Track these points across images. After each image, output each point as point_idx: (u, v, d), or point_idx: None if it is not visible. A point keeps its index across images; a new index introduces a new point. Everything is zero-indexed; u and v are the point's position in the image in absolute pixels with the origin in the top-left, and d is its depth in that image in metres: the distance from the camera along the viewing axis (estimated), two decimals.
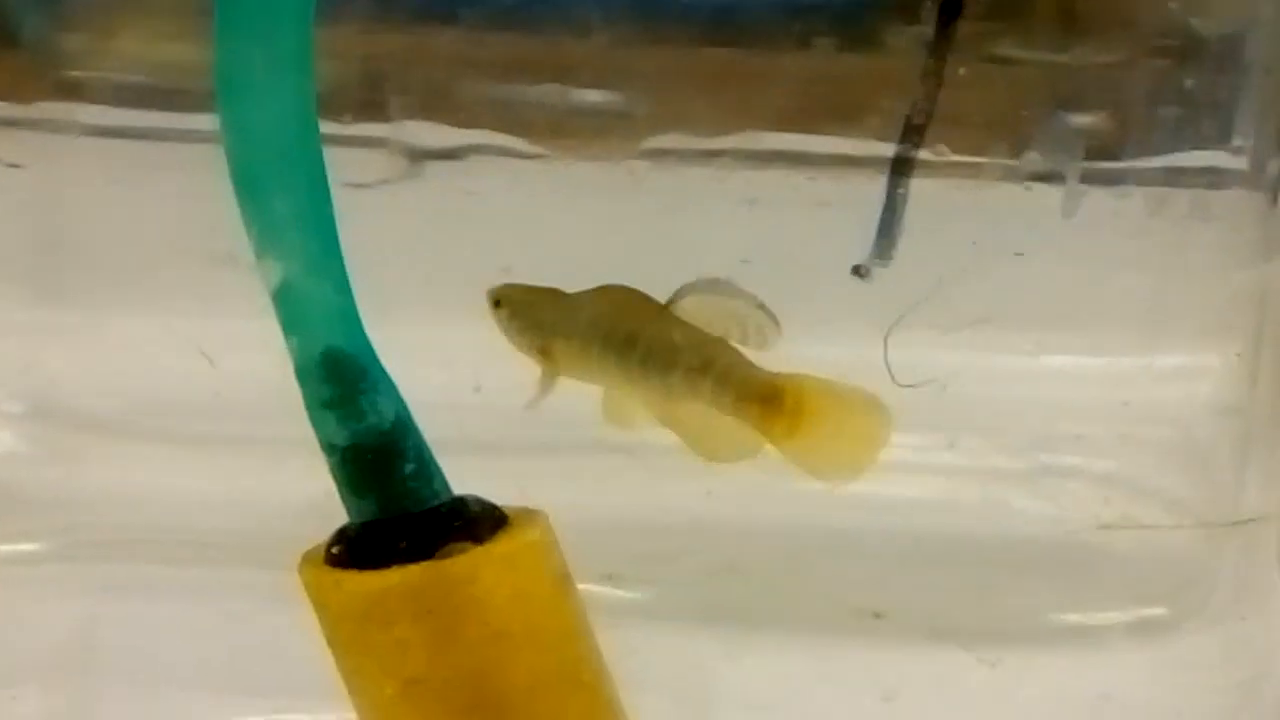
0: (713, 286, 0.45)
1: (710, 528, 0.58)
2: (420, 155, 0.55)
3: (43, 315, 0.58)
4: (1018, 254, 0.55)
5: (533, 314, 0.48)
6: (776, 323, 0.45)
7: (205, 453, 0.58)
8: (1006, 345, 0.58)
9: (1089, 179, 0.55)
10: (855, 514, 0.57)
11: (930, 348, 0.56)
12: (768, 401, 0.44)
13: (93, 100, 0.56)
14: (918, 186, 0.55)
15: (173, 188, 0.56)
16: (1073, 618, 0.56)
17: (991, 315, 0.56)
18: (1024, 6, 0.54)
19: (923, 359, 0.54)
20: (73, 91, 0.56)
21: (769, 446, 0.45)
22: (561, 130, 0.55)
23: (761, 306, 0.45)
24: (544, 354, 0.48)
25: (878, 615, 0.56)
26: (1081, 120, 0.55)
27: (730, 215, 0.55)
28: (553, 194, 0.55)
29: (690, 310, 0.46)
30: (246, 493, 0.56)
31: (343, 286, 0.36)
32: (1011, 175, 0.55)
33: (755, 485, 0.56)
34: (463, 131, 0.55)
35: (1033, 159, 0.55)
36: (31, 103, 0.56)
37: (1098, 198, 0.56)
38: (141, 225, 0.57)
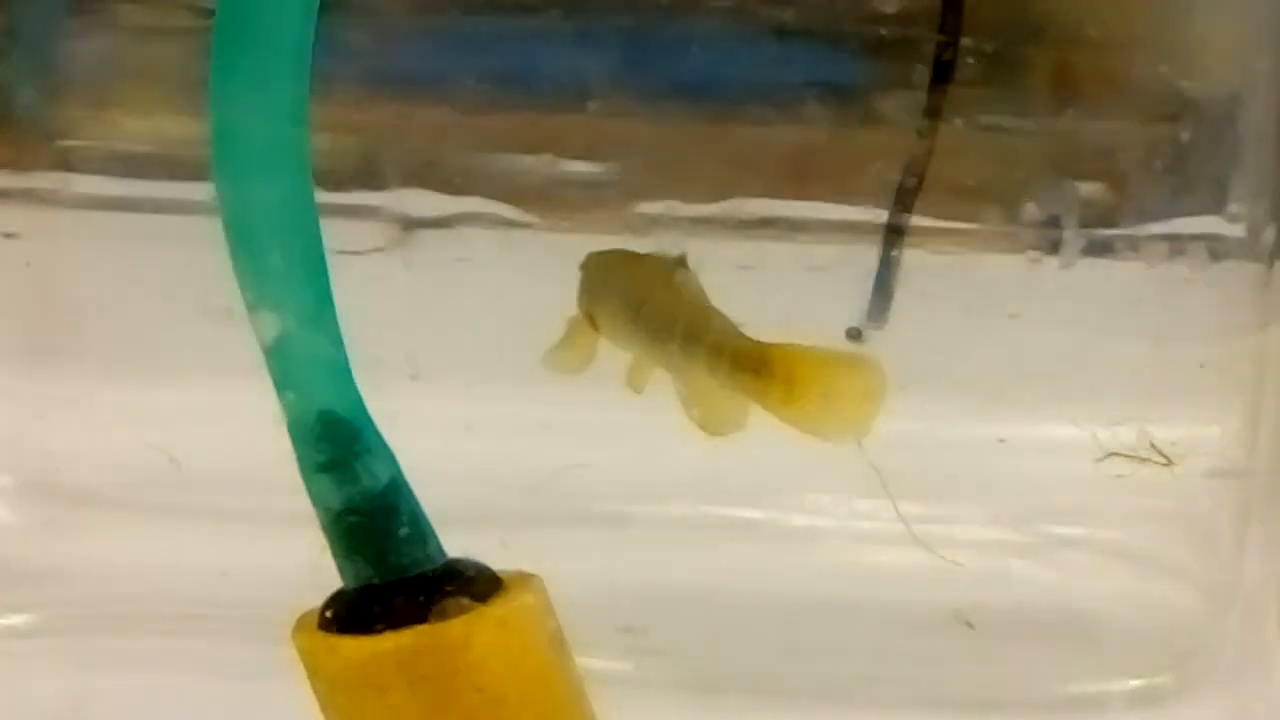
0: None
1: (703, 598, 0.57)
2: (412, 224, 0.56)
3: (35, 386, 0.59)
4: (1012, 315, 0.56)
5: (590, 280, 0.49)
6: None
7: (198, 525, 0.59)
8: (998, 414, 0.58)
9: (1085, 247, 0.56)
10: (850, 584, 0.57)
11: (924, 418, 0.56)
12: (760, 370, 0.44)
13: (88, 171, 0.56)
14: (912, 253, 0.55)
15: (169, 259, 0.56)
16: (1074, 688, 0.56)
17: (986, 382, 0.57)
18: (1019, 73, 0.55)
19: (915, 427, 0.54)
20: (69, 162, 0.56)
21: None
22: (552, 198, 0.55)
23: None
24: (590, 319, 0.49)
25: (873, 684, 0.56)
26: (1076, 187, 0.56)
27: (723, 281, 0.56)
28: (545, 261, 0.55)
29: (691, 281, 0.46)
30: (240, 565, 0.56)
31: (338, 347, 0.37)
32: (1006, 242, 0.56)
33: (750, 557, 0.57)
34: (454, 199, 0.56)
35: (1028, 226, 0.55)
36: (28, 172, 0.56)
37: (1093, 265, 0.56)
38: (136, 296, 0.58)
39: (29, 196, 0.57)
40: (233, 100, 0.35)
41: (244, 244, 0.36)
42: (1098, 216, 0.56)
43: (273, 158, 0.35)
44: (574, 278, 0.52)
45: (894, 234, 0.54)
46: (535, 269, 0.56)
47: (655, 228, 0.55)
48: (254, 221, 0.35)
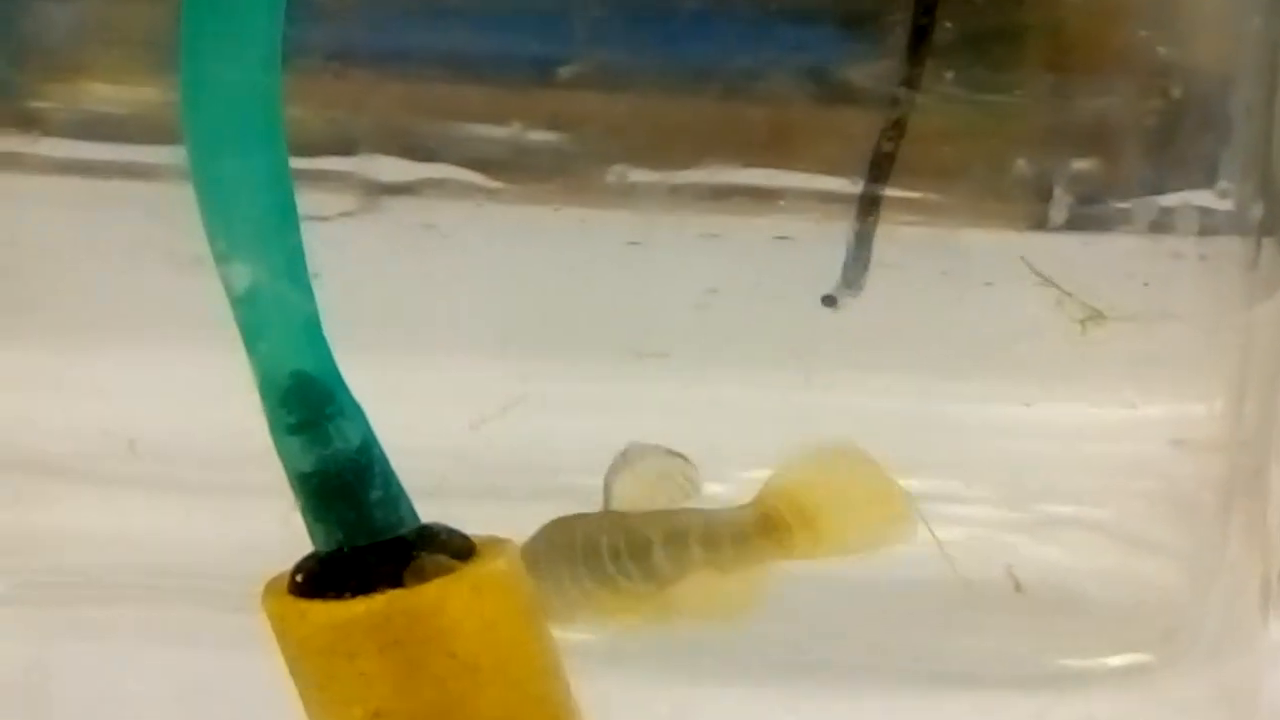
0: (630, 460, 0.44)
1: None
2: (380, 190, 0.55)
3: (3, 353, 0.58)
4: (987, 284, 0.55)
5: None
6: (694, 467, 0.44)
7: (161, 493, 0.59)
8: (985, 391, 0.58)
9: (1070, 220, 0.55)
10: (844, 560, 0.57)
11: (909, 393, 0.56)
12: (772, 531, 0.43)
13: (54, 134, 0.56)
14: (890, 225, 0.55)
15: (136, 224, 0.56)
16: (1057, 663, 0.56)
17: (968, 358, 0.56)
18: (1002, 43, 0.54)
19: (898, 404, 0.54)
20: (33, 124, 0.56)
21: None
22: (520, 167, 0.55)
23: (674, 454, 0.44)
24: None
25: (857, 658, 0.56)
26: (1064, 162, 0.55)
27: (694, 250, 0.55)
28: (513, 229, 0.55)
29: (627, 496, 0.45)
30: (204, 533, 0.56)
31: (310, 305, 0.36)
32: (989, 215, 0.55)
33: None
34: (422, 165, 0.55)
35: (1013, 198, 0.55)
36: None
37: (1079, 239, 0.56)
38: (102, 262, 0.57)
39: None
40: (205, 47, 0.35)
41: (216, 192, 0.35)
42: (1086, 190, 0.56)
43: (246, 104, 0.35)
44: (543, 246, 0.51)
45: (870, 203, 0.54)
46: (503, 236, 0.56)
47: (624, 197, 0.55)
48: (226, 169, 0.35)
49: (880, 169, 0.54)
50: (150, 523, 0.58)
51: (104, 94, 0.57)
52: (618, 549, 0.44)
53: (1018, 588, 0.56)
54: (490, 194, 0.56)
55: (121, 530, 0.58)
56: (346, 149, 0.55)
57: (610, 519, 0.45)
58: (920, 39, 0.52)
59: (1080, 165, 0.56)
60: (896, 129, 0.53)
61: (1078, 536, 0.60)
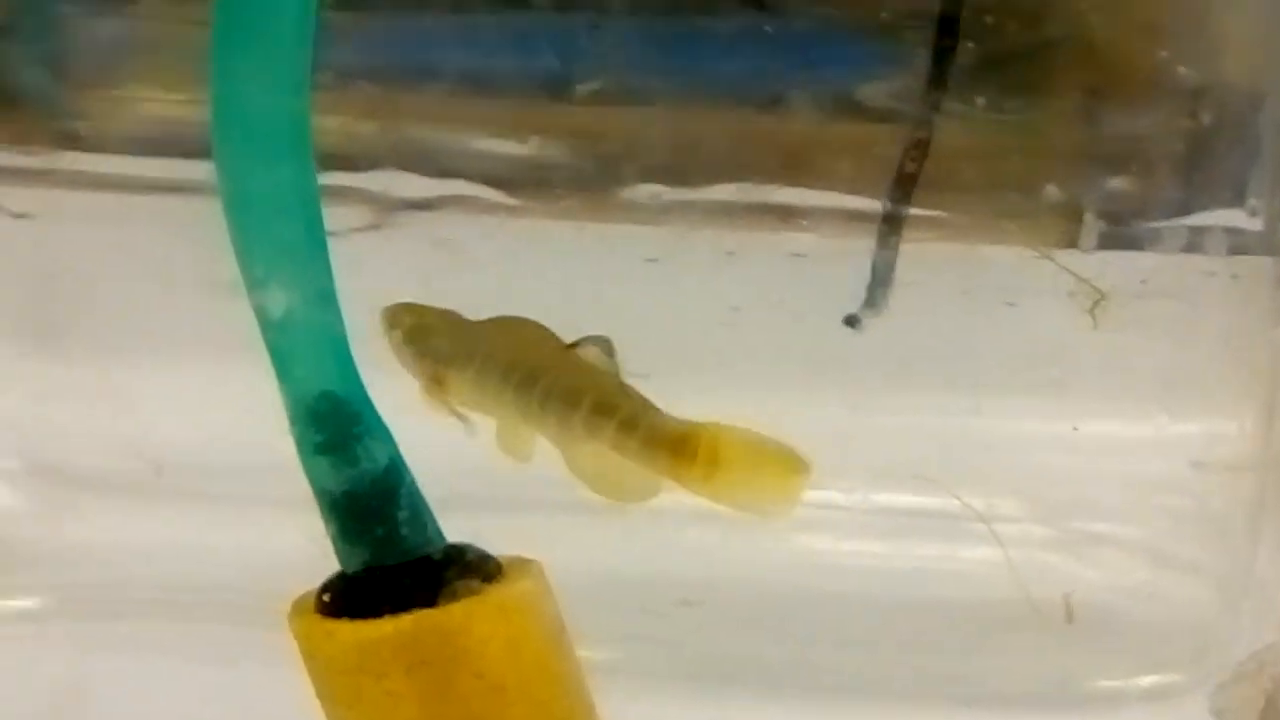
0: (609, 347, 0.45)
1: (720, 587, 0.57)
2: (394, 205, 0.56)
3: (42, 368, 0.59)
4: (1009, 304, 0.55)
5: (429, 340, 0.48)
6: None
7: (203, 508, 0.59)
8: (1017, 409, 0.58)
9: (1103, 239, 0.55)
10: (871, 578, 0.57)
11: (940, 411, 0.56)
12: (680, 449, 0.44)
13: (100, 150, 0.56)
14: (914, 245, 0.55)
15: (178, 240, 0.56)
16: (1088, 684, 0.56)
17: (1002, 376, 0.56)
18: (1033, 69, 0.54)
19: (926, 421, 0.54)
20: (79, 142, 0.56)
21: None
22: (535, 183, 0.55)
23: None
24: (437, 382, 0.47)
25: (884, 677, 0.56)
26: (1094, 182, 0.55)
27: (712, 266, 0.55)
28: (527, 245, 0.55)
29: (595, 357, 0.46)
30: (244, 549, 0.56)
31: (340, 327, 0.36)
32: (1020, 233, 0.55)
33: (767, 547, 0.56)
34: (437, 182, 0.55)
35: (1046, 217, 0.55)
36: (39, 152, 0.56)
37: (1111, 259, 0.56)
38: (144, 277, 0.58)
39: (40, 177, 0.57)
40: (236, 72, 0.35)
41: (253, 218, 0.36)
42: (1116, 209, 0.56)
43: (281, 129, 0.35)
44: (556, 263, 0.51)
45: (892, 223, 0.54)
46: (517, 252, 0.56)
47: (642, 213, 0.55)
48: (264, 194, 0.36)
49: (903, 189, 0.54)
50: (182, 538, 0.58)
51: (147, 109, 0.58)
52: (551, 389, 0.45)
53: (1070, 618, 0.56)
54: (504, 210, 0.56)
55: (155, 544, 0.59)
56: (364, 164, 0.55)
57: (565, 363, 0.46)
58: (943, 60, 0.52)
59: (1110, 185, 0.56)
60: (919, 149, 0.53)
61: (1107, 555, 0.60)
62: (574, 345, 0.46)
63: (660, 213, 0.56)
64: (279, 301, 0.36)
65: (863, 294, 0.55)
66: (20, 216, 0.58)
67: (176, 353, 0.58)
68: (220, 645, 0.55)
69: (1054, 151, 0.56)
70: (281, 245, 0.36)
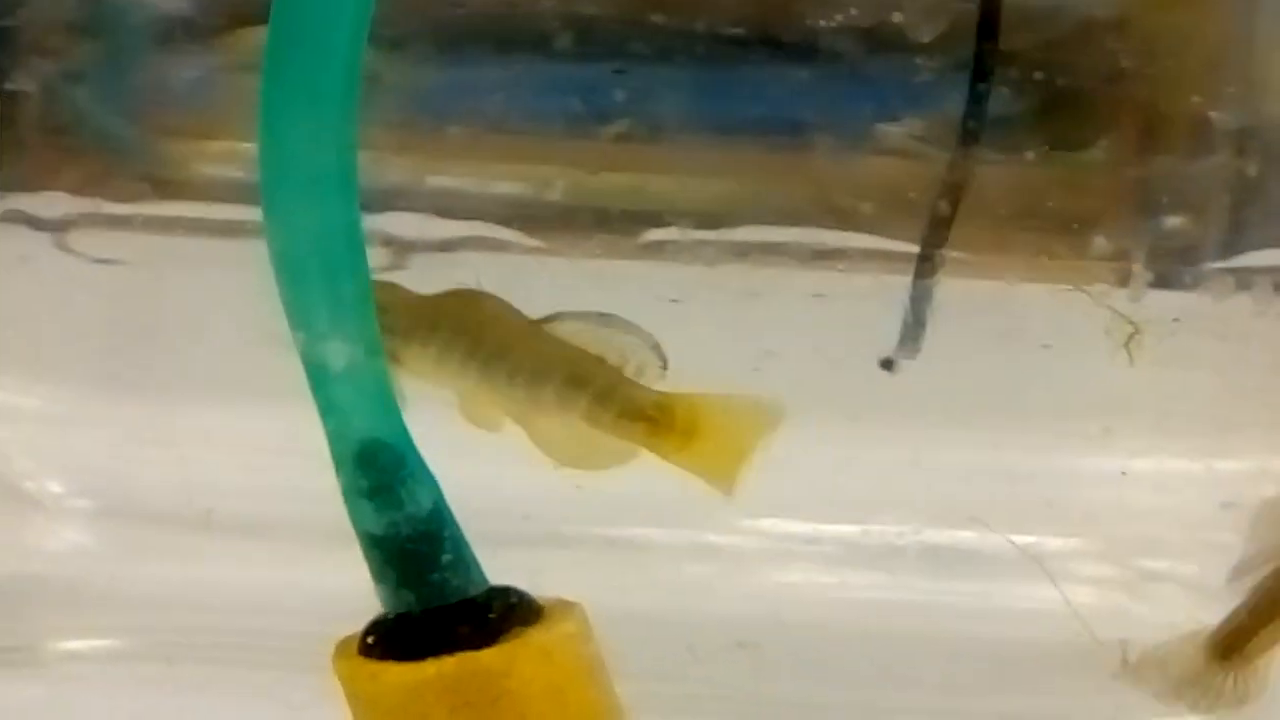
0: (605, 321, 0.46)
1: (774, 629, 0.57)
2: (414, 247, 0.56)
3: (119, 411, 0.60)
4: (1045, 345, 0.55)
5: (382, 316, 0.48)
6: (664, 366, 0.46)
7: (277, 551, 0.59)
8: (1068, 447, 0.57)
9: (1153, 280, 0.55)
10: (920, 616, 0.57)
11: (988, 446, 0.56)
12: (657, 419, 0.45)
13: (187, 197, 0.57)
14: (951, 285, 0.55)
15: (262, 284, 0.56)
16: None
17: (1044, 421, 0.56)
18: (1077, 110, 0.54)
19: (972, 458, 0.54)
20: (168, 189, 0.57)
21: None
22: (555, 224, 0.55)
23: (655, 347, 0.46)
24: (393, 359, 0.46)
25: (930, 716, 0.56)
26: (1146, 219, 0.55)
27: (727, 309, 0.56)
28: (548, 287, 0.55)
29: (566, 333, 0.47)
30: (315, 593, 0.56)
31: (383, 374, 0.37)
32: (1069, 275, 0.55)
33: (816, 586, 0.57)
34: (455, 223, 0.56)
35: (1095, 258, 0.55)
36: (119, 199, 0.57)
37: (1164, 297, 0.56)
38: (227, 322, 0.58)
39: (121, 222, 0.58)
40: (287, 129, 0.36)
41: (315, 272, 0.36)
42: (1166, 249, 0.55)
43: (337, 183, 0.36)
44: (579, 305, 0.51)
45: (926, 265, 0.54)
46: (539, 294, 0.56)
47: (665, 254, 0.55)
48: (327, 249, 0.36)
49: (937, 231, 0.54)
50: (264, 578, 0.59)
51: (224, 153, 0.58)
52: (520, 363, 0.46)
53: (1126, 662, 0.56)
54: (531, 251, 0.56)
55: (234, 585, 0.59)
56: (384, 205, 0.56)
57: (533, 337, 0.46)
58: (977, 103, 0.52)
59: (1159, 224, 0.56)
60: (954, 192, 0.53)
61: (1157, 591, 0.60)
62: (547, 320, 0.47)
63: (684, 253, 0.56)
64: (343, 354, 0.37)
65: (895, 335, 0.56)
66: (107, 262, 0.59)
67: (258, 395, 0.59)
68: (292, 688, 0.55)
69: (1100, 195, 0.56)
70: (349, 299, 0.37)
